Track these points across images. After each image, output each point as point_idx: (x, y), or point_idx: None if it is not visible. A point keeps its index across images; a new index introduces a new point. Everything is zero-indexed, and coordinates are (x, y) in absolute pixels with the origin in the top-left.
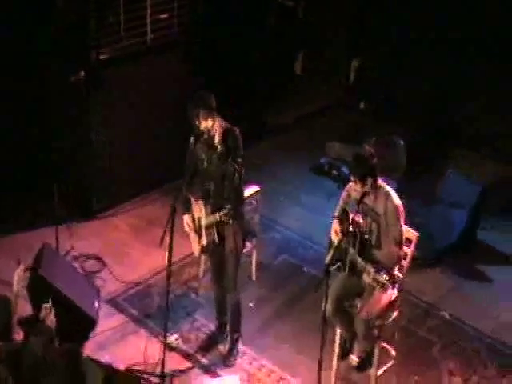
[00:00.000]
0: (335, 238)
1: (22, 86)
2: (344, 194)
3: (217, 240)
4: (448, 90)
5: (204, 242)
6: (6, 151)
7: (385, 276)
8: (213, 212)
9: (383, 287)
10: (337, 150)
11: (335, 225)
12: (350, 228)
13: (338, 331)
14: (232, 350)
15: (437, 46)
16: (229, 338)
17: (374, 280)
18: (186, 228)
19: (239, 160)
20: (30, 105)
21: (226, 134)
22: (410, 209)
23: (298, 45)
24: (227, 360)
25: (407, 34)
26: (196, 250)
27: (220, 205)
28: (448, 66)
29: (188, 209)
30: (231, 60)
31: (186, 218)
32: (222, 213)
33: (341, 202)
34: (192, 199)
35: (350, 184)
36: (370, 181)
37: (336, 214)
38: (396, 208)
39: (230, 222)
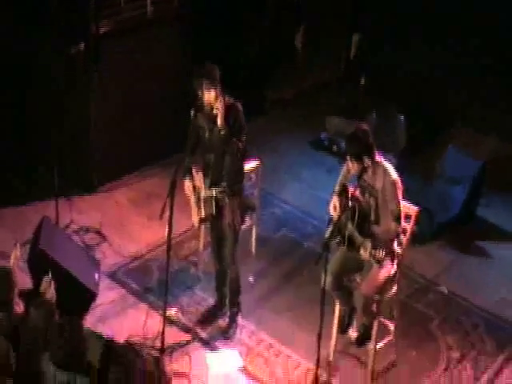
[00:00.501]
0: (334, 213)
1: (22, 59)
2: (344, 169)
3: (214, 213)
4: (450, 66)
5: (202, 214)
6: (5, 125)
7: (382, 251)
8: (211, 186)
9: (379, 263)
10: (337, 125)
11: (335, 200)
12: (350, 203)
13: (337, 306)
14: (231, 324)
15: (439, 20)
16: (228, 311)
17: (371, 255)
18: (187, 192)
19: (243, 138)
20: (30, 78)
21: (228, 110)
22: (410, 185)
23: (298, 19)
24: (226, 333)
25: (409, 8)
26: (195, 221)
27: (218, 180)
28: (451, 40)
29: (189, 176)
30: (232, 34)
31: (187, 182)
32: (218, 189)
33: (341, 178)
34: (193, 170)
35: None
36: (366, 159)
37: (336, 189)
38: (394, 183)
39: (226, 200)
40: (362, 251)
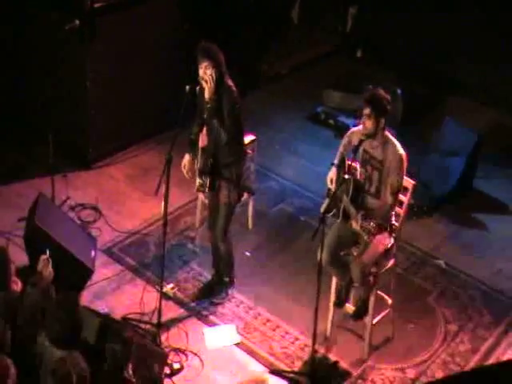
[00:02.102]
0: (330, 186)
1: (17, 34)
2: (345, 140)
3: (207, 188)
4: (447, 39)
5: (197, 183)
6: (0, 101)
7: (372, 223)
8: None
9: (369, 234)
10: (334, 98)
11: (332, 173)
12: (346, 176)
13: (334, 280)
14: (220, 291)
15: None
16: (220, 279)
17: (361, 227)
18: (183, 169)
19: (228, 124)
20: (25, 54)
21: (221, 92)
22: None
23: None
24: (214, 298)
25: None
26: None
27: (209, 153)
28: (448, 13)
29: (190, 151)
30: (226, 8)
31: (186, 158)
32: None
33: (341, 149)
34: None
35: (353, 129)
36: (383, 120)
37: (335, 161)
38: (401, 158)
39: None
40: (353, 223)
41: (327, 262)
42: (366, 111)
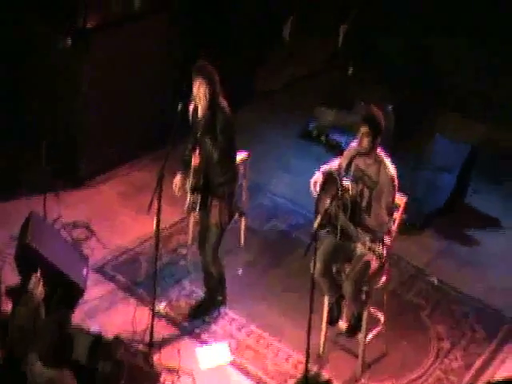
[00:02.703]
0: (313, 190)
1: (11, 52)
2: (345, 153)
3: (197, 208)
4: (437, 55)
5: (187, 202)
6: None
7: (380, 246)
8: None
9: (380, 257)
10: (326, 115)
11: (317, 176)
12: (340, 193)
13: (326, 298)
14: (213, 309)
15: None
16: (212, 297)
17: (370, 249)
18: (174, 187)
19: (220, 142)
20: (18, 71)
21: (215, 111)
22: (398, 173)
23: (286, 9)
24: (207, 317)
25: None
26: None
27: (201, 174)
28: (439, 30)
29: (183, 170)
30: (219, 25)
31: (178, 177)
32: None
33: (341, 160)
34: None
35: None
36: (379, 139)
37: (324, 168)
38: (392, 178)
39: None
40: (359, 246)
41: (320, 272)
42: (364, 129)
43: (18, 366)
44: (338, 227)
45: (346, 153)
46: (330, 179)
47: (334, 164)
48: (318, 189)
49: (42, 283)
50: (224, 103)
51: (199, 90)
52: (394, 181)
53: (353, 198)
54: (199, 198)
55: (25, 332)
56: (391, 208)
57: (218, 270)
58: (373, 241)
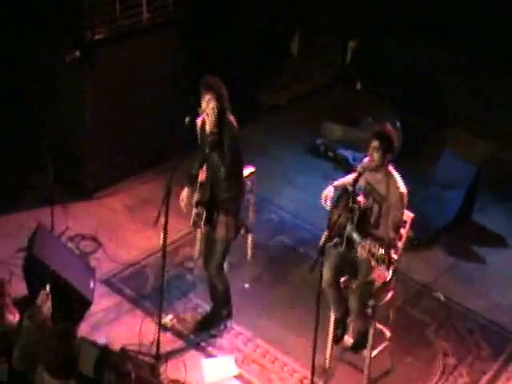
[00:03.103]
0: (325, 204)
1: (18, 65)
2: (358, 169)
3: (202, 224)
4: (446, 72)
5: (192, 217)
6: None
7: (381, 250)
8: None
9: (378, 262)
10: (333, 131)
11: (328, 191)
12: (350, 204)
13: (332, 313)
14: (219, 323)
15: (433, 26)
16: (218, 311)
17: (369, 253)
18: (181, 202)
19: (227, 158)
20: (24, 83)
21: (223, 127)
22: (408, 190)
23: (293, 25)
24: (213, 330)
25: (405, 15)
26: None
27: (208, 189)
28: (446, 46)
29: (190, 184)
30: (226, 39)
31: (185, 192)
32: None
33: (354, 176)
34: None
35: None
36: (389, 156)
37: (337, 183)
38: (402, 196)
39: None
40: (359, 249)
41: (328, 283)
42: (375, 144)
43: (25, 378)
44: (344, 236)
45: (359, 168)
46: (343, 194)
47: (348, 179)
48: (328, 203)
49: (50, 300)
50: (232, 119)
51: (208, 106)
52: (403, 198)
53: (362, 211)
54: (204, 212)
55: (30, 346)
56: (398, 224)
57: (223, 284)
58: (374, 245)
